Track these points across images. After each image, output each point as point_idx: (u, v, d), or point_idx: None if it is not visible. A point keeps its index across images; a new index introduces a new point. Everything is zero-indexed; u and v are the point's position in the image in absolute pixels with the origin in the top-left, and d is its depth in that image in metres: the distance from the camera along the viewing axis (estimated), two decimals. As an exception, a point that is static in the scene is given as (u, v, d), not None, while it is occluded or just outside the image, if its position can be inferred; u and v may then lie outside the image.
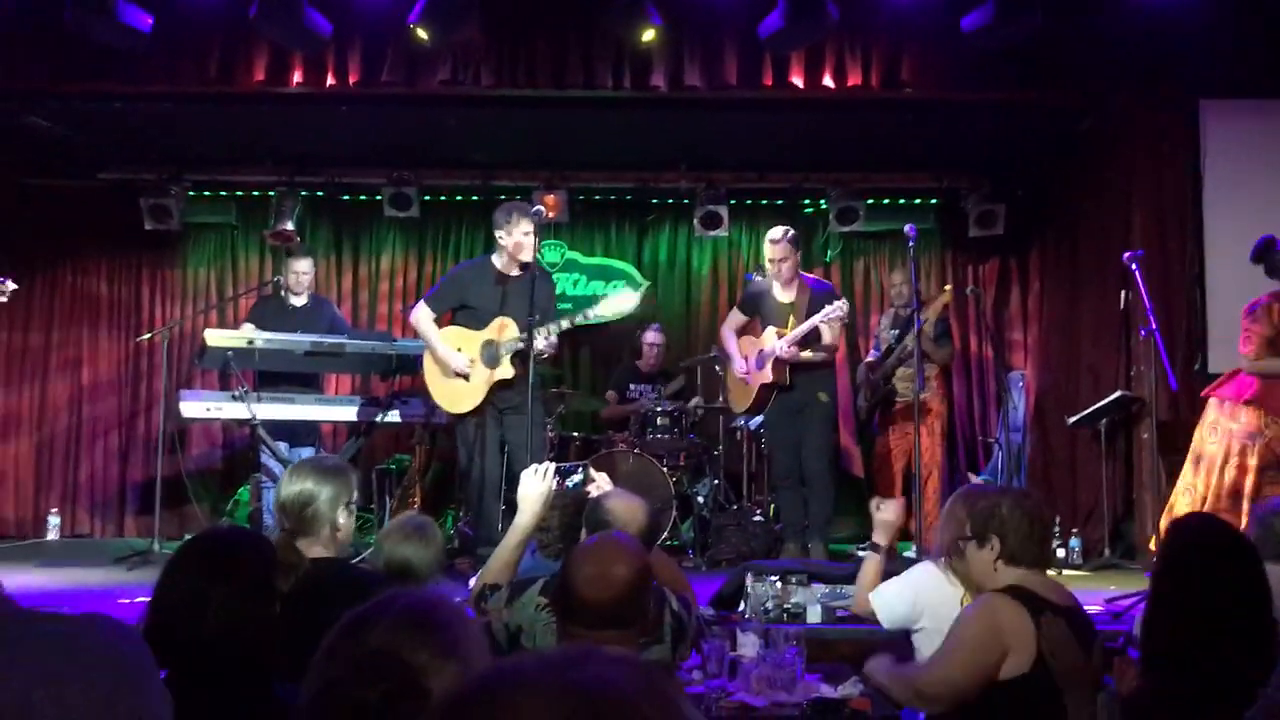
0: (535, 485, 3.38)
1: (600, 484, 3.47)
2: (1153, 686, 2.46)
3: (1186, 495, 5.79)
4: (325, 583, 2.91)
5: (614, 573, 2.38)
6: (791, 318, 6.40)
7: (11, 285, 6.07)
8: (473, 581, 5.56)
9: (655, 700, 0.89)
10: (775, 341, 6.35)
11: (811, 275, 6.92)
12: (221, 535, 2.54)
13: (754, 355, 6.52)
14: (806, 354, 6.37)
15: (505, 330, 5.77)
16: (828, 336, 6.37)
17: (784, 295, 6.53)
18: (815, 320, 6.23)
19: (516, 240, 5.80)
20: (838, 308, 6.18)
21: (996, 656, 2.65)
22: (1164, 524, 5.67)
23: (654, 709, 0.89)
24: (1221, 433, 5.70)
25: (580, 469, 3.52)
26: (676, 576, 3.33)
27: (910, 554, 5.93)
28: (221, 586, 2.11)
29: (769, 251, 6.51)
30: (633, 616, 2.43)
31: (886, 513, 3.69)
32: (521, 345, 5.57)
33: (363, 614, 1.55)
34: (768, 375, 6.41)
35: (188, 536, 2.44)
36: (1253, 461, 5.60)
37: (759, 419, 7.27)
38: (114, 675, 1.27)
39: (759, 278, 7.87)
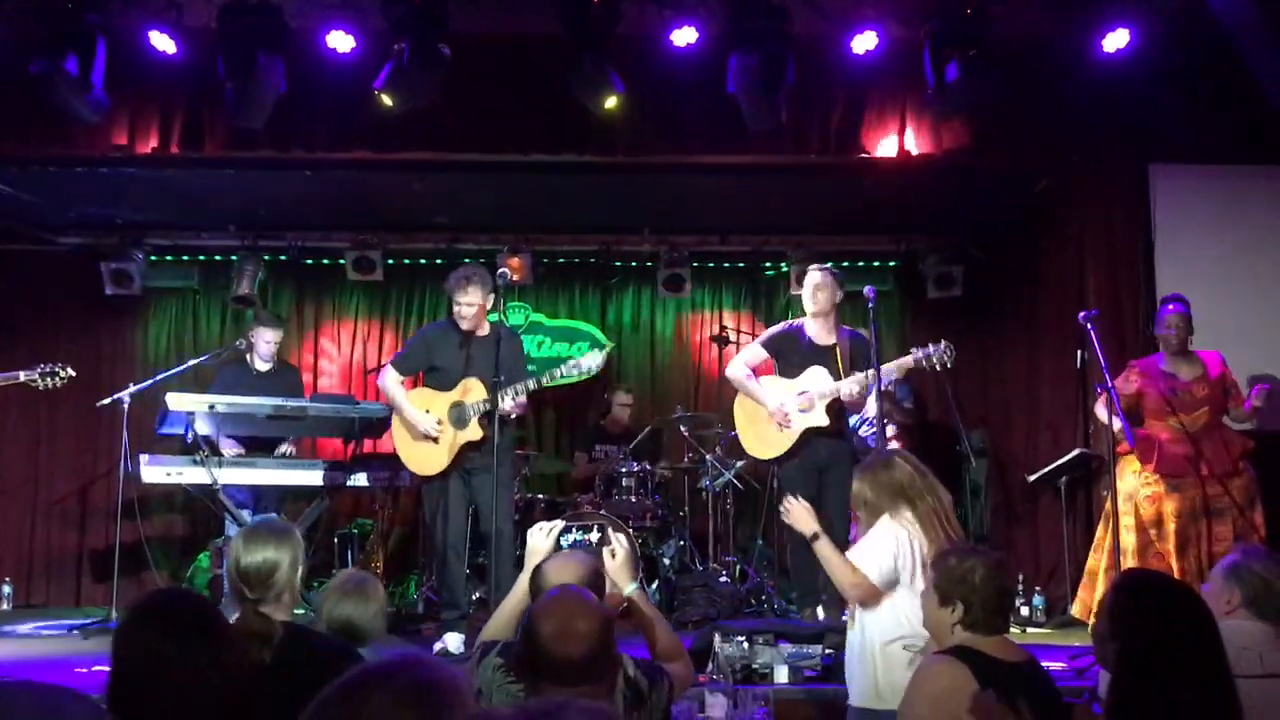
0: (541, 542, 3.36)
1: (618, 545, 3.41)
2: None
3: (1095, 553, 5.90)
4: (305, 650, 2.88)
5: (577, 627, 2.37)
6: (838, 361, 5.92)
7: (70, 371, 6.03)
8: (436, 645, 5.55)
9: None
10: (832, 383, 5.83)
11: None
12: (174, 595, 2.50)
13: (791, 395, 5.96)
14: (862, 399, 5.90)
15: (471, 392, 5.76)
16: (857, 389, 5.79)
17: (823, 337, 6.03)
18: (912, 359, 5.82)
19: (459, 309, 5.84)
20: (948, 348, 5.75)
21: None
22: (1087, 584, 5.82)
23: None
24: (1114, 490, 5.82)
25: (597, 529, 3.40)
26: (690, 676, 3.29)
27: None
28: (181, 645, 2.09)
29: (814, 278, 6.02)
30: (602, 669, 2.43)
31: (796, 512, 3.88)
32: (488, 407, 5.58)
33: (359, 680, 1.51)
34: (820, 418, 5.86)
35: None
36: (1129, 520, 5.73)
37: (722, 479, 7.30)
38: None
39: (728, 335, 7.98)
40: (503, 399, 5.55)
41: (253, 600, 2.97)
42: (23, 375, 6.00)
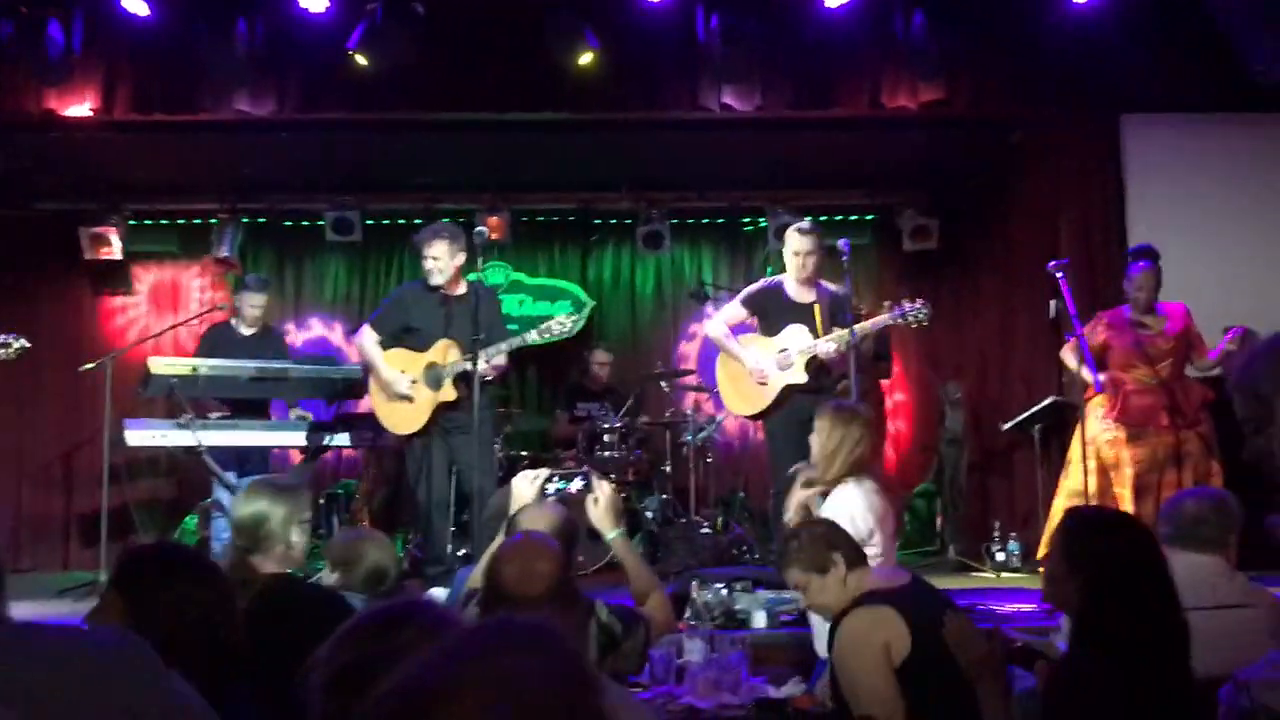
0: (526, 489, 3.48)
1: (600, 492, 3.50)
2: (1079, 666, 2.52)
3: (1059, 497, 6.06)
4: (287, 598, 2.99)
5: (536, 568, 2.47)
6: (817, 318, 5.85)
7: (24, 342, 6.01)
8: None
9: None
10: (811, 340, 5.77)
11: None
12: (169, 546, 2.59)
13: (770, 354, 5.93)
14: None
15: (449, 353, 5.78)
16: (841, 346, 5.69)
17: (803, 295, 5.96)
18: (888, 317, 5.80)
19: (425, 264, 5.84)
20: (923, 306, 5.73)
21: (886, 663, 2.75)
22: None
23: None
24: (1083, 435, 5.91)
25: (582, 478, 3.50)
26: (669, 620, 3.41)
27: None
28: (192, 587, 2.16)
29: (797, 243, 5.90)
30: (561, 606, 2.52)
31: None
32: (465, 367, 5.60)
33: (399, 611, 1.65)
34: (799, 375, 5.80)
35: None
36: (1092, 464, 5.83)
37: (704, 433, 7.39)
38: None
39: (708, 290, 8.01)
40: (479, 360, 5.59)
41: (241, 548, 3.11)
42: None
